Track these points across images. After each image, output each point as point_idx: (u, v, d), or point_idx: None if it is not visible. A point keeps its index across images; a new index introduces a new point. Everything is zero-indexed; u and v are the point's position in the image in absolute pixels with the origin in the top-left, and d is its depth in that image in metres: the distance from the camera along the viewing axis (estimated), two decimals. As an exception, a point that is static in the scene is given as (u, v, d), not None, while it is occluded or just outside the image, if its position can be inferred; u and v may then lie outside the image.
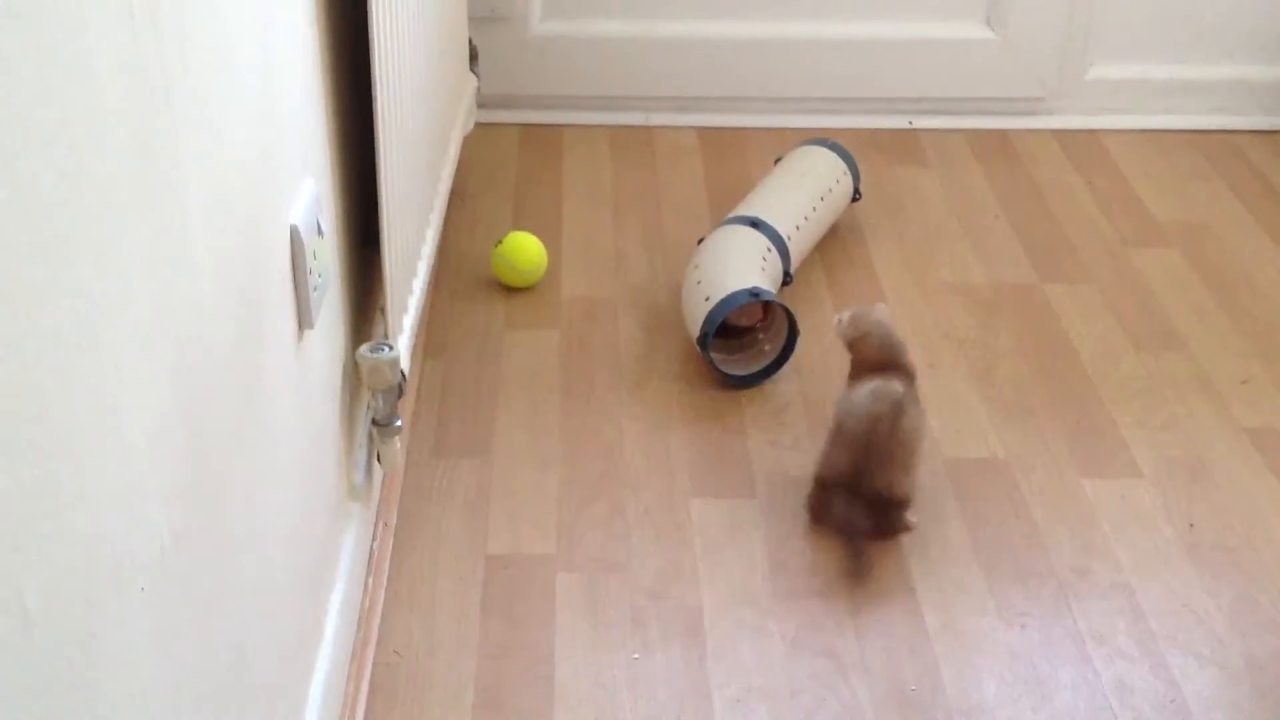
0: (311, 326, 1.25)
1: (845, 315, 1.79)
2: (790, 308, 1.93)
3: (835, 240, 2.28)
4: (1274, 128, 2.67)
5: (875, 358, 1.74)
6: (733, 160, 2.51)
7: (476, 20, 2.44)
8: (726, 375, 1.95)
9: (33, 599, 0.65)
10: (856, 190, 2.31)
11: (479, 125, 2.41)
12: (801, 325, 1.95)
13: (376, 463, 1.58)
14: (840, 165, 2.27)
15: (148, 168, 0.81)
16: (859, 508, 1.67)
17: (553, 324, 2.08)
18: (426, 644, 1.56)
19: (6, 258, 0.62)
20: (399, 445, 1.56)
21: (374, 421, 1.51)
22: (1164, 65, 2.66)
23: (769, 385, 1.96)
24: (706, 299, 1.92)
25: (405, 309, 1.62)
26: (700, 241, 2.09)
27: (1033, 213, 2.40)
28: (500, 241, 2.14)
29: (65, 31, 0.68)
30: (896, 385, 1.70)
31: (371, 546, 1.62)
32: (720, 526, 1.73)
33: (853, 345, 1.77)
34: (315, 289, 1.25)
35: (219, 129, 0.97)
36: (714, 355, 1.94)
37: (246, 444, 1.05)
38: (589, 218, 2.33)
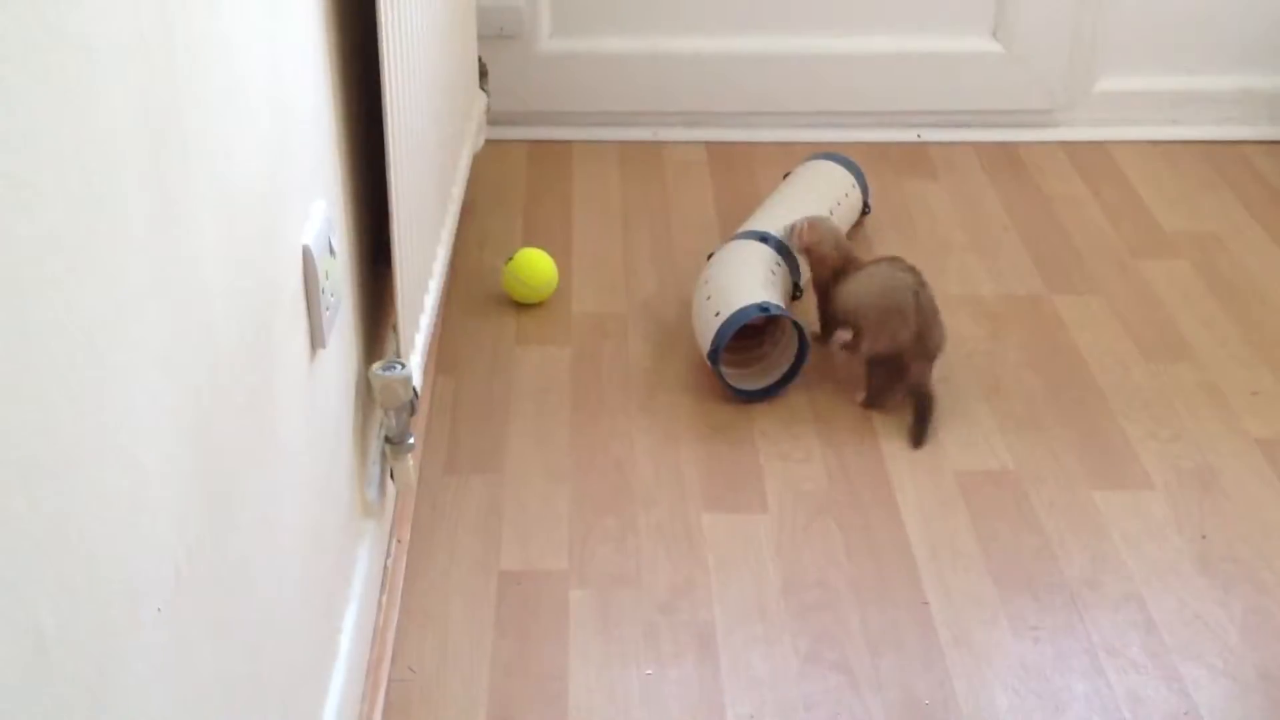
0: (324, 346, 1.26)
1: (801, 223, 2.02)
2: (800, 321, 1.94)
3: (844, 254, 2.28)
4: (1282, 137, 2.68)
5: (834, 256, 1.99)
6: (741, 175, 2.52)
7: (486, 38, 2.45)
8: (737, 389, 1.96)
9: (49, 622, 0.65)
10: (865, 203, 2.32)
11: (489, 142, 2.42)
12: (811, 339, 1.96)
13: (389, 480, 1.59)
14: (849, 178, 2.28)
15: (160, 191, 0.82)
16: (925, 367, 1.90)
17: (563, 340, 2.09)
18: (440, 660, 1.56)
19: (19, 282, 0.63)
20: (411, 462, 1.56)
21: (386, 439, 1.52)
22: (1171, 76, 2.66)
23: (779, 399, 1.96)
24: (716, 314, 1.92)
25: (417, 327, 1.63)
26: (710, 256, 2.10)
27: (1041, 224, 2.40)
28: (511, 258, 2.14)
29: (77, 59, 0.69)
30: (894, 259, 1.96)
31: (385, 563, 1.62)
32: (732, 541, 1.73)
33: (810, 250, 2.01)
34: (327, 309, 1.25)
35: (230, 152, 0.98)
36: (724, 369, 1.95)
37: (260, 463, 1.06)
38: (598, 233, 2.34)
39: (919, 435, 1.90)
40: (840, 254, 2.00)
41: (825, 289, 2.01)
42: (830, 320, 2.01)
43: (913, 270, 1.93)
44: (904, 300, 1.89)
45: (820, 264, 2.02)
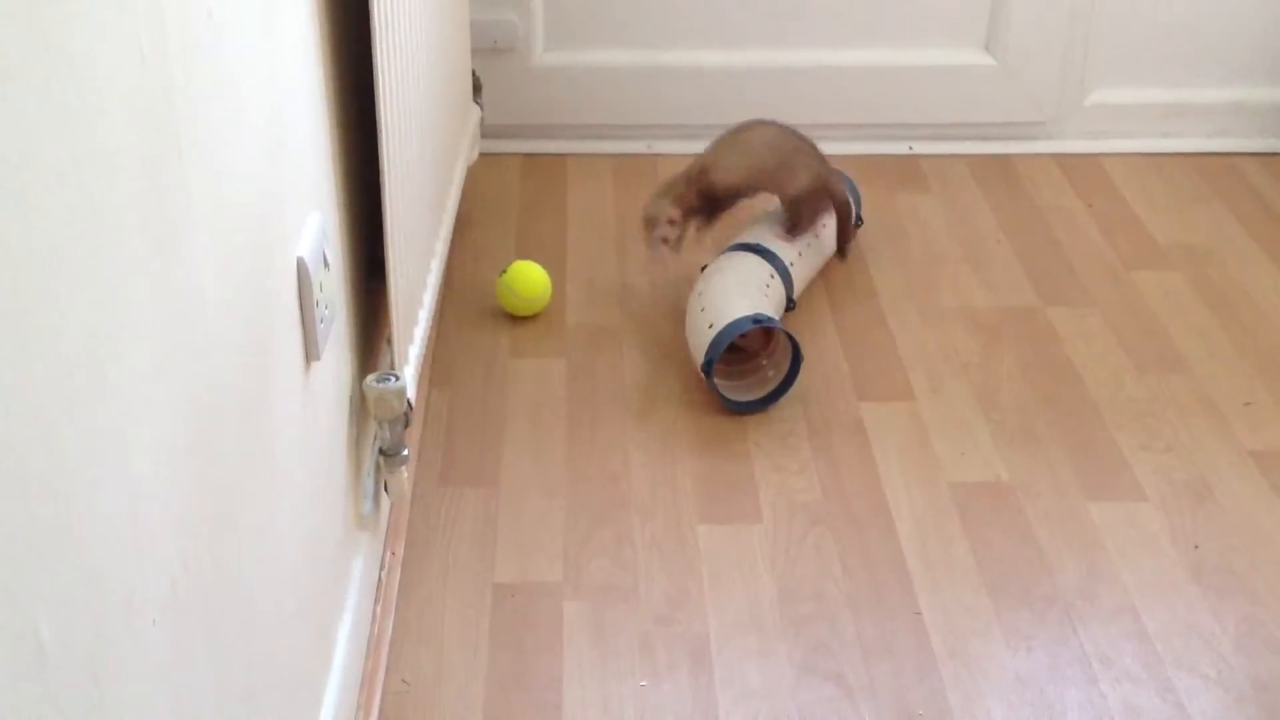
0: (318, 358, 1.26)
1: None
2: (794, 334, 1.94)
3: (838, 266, 2.29)
4: (1274, 150, 2.68)
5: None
6: (735, 187, 2.52)
7: (480, 52, 2.46)
8: (731, 402, 1.96)
9: (46, 633, 0.65)
10: (858, 216, 2.32)
11: (483, 155, 2.43)
12: (805, 351, 1.96)
13: (384, 492, 1.59)
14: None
15: (156, 204, 0.82)
16: (837, 179, 2.20)
17: (558, 352, 2.09)
18: (435, 673, 1.56)
19: (18, 295, 0.63)
20: (406, 475, 1.56)
21: (381, 451, 1.52)
22: (1163, 89, 2.67)
23: (773, 411, 1.97)
24: (710, 326, 1.93)
25: (411, 339, 1.63)
26: (703, 269, 2.10)
27: (1034, 236, 2.41)
28: (505, 270, 2.15)
29: (76, 73, 0.69)
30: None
31: (379, 576, 1.63)
32: (727, 552, 1.73)
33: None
34: (322, 321, 1.26)
35: (226, 165, 0.98)
36: (718, 382, 1.95)
37: (255, 475, 1.06)
38: (593, 246, 2.34)
39: (843, 247, 2.23)
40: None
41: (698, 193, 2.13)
42: (715, 205, 2.15)
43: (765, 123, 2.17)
44: (784, 142, 2.15)
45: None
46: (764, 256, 2.07)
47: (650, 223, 2.10)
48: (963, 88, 2.64)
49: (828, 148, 2.61)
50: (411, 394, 1.52)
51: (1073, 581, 1.70)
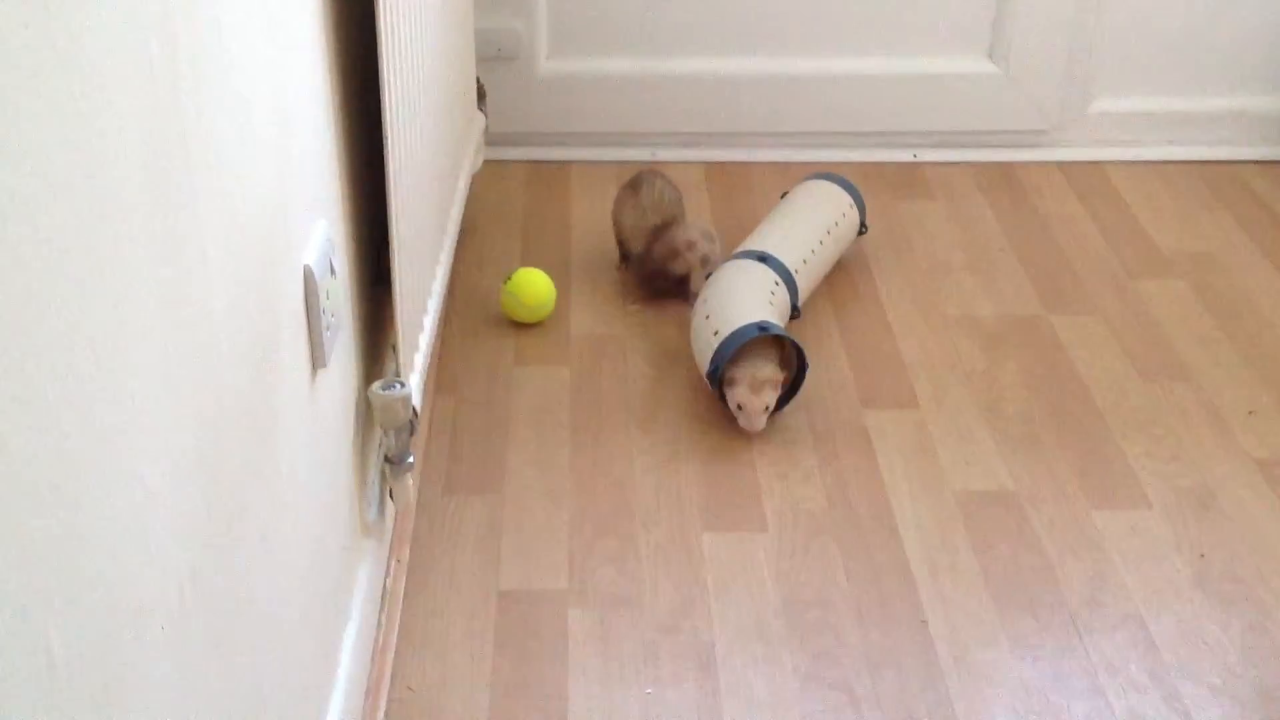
0: (325, 366, 1.26)
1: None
2: (799, 341, 1.94)
3: (842, 274, 2.29)
4: (1277, 158, 2.69)
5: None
6: (739, 195, 2.52)
7: (484, 60, 2.46)
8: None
9: (57, 640, 0.65)
10: (863, 224, 2.33)
11: (487, 163, 2.43)
12: (810, 359, 1.96)
13: (389, 500, 1.59)
14: (846, 199, 2.29)
15: (165, 213, 0.82)
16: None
17: (562, 360, 2.09)
18: (440, 680, 1.56)
19: (27, 304, 0.63)
20: (411, 482, 1.56)
21: (386, 459, 1.52)
22: (1166, 97, 2.67)
23: (778, 419, 1.97)
24: (715, 334, 1.93)
25: (416, 347, 1.63)
26: (708, 276, 2.10)
27: (1038, 245, 2.41)
28: (509, 278, 2.15)
29: (85, 82, 0.69)
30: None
31: (384, 583, 1.62)
32: (732, 560, 1.73)
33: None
34: (328, 329, 1.26)
35: (234, 174, 0.98)
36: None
37: (262, 483, 1.06)
38: (597, 254, 2.34)
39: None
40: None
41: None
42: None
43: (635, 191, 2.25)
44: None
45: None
46: (769, 264, 2.07)
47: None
48: (967, 96, 2.64)
49: (832, 155, 2.63)
50: (417, 402, 1.52)
51: (1078, 590, 1.70)
